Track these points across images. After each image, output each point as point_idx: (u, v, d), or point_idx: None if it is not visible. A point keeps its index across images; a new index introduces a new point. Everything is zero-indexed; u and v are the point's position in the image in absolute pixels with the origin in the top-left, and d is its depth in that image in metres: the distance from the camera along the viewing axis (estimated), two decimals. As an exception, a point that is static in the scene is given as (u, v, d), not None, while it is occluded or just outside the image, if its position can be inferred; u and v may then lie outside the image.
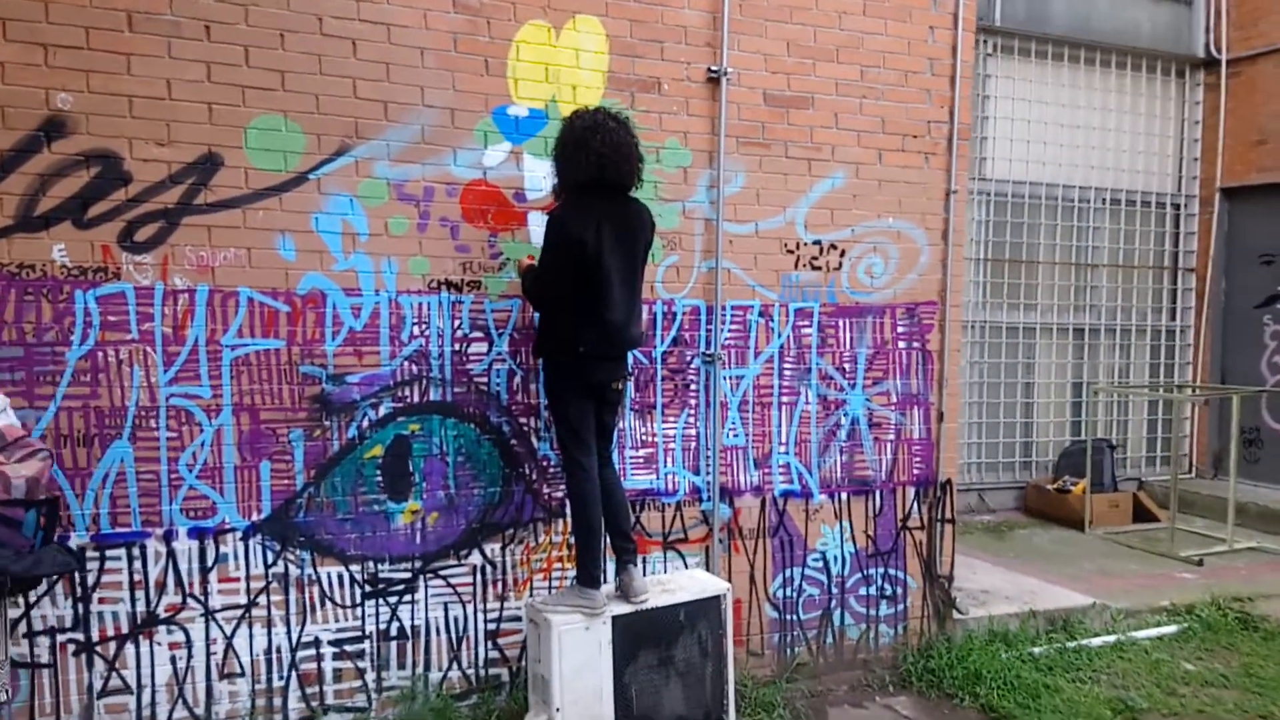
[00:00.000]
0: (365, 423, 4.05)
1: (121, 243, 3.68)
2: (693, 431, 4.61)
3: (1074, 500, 7.97)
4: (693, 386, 4.60)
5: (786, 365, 4.77)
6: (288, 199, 3.89)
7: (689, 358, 4.58)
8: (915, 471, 5.09)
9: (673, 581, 4.26)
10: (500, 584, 4.30)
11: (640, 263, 3.87)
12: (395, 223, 4.06)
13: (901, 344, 5.01)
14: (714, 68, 4.52)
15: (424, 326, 4.12)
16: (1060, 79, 8.49)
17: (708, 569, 4.63)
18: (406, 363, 4.10)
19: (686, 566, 4.60)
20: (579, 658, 3.84)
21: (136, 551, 3.75)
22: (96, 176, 3.63)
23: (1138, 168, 8.86)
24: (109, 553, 3.72)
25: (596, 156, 3.66)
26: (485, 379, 4.23)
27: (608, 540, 4.06)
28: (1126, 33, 8.57)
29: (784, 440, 4.79)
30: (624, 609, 3.94)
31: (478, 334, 4.21)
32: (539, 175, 4.26)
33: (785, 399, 4.78)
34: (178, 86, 3.72)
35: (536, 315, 4.24)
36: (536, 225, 4.27)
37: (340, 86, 3.93)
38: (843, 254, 4.85)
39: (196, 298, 3.78)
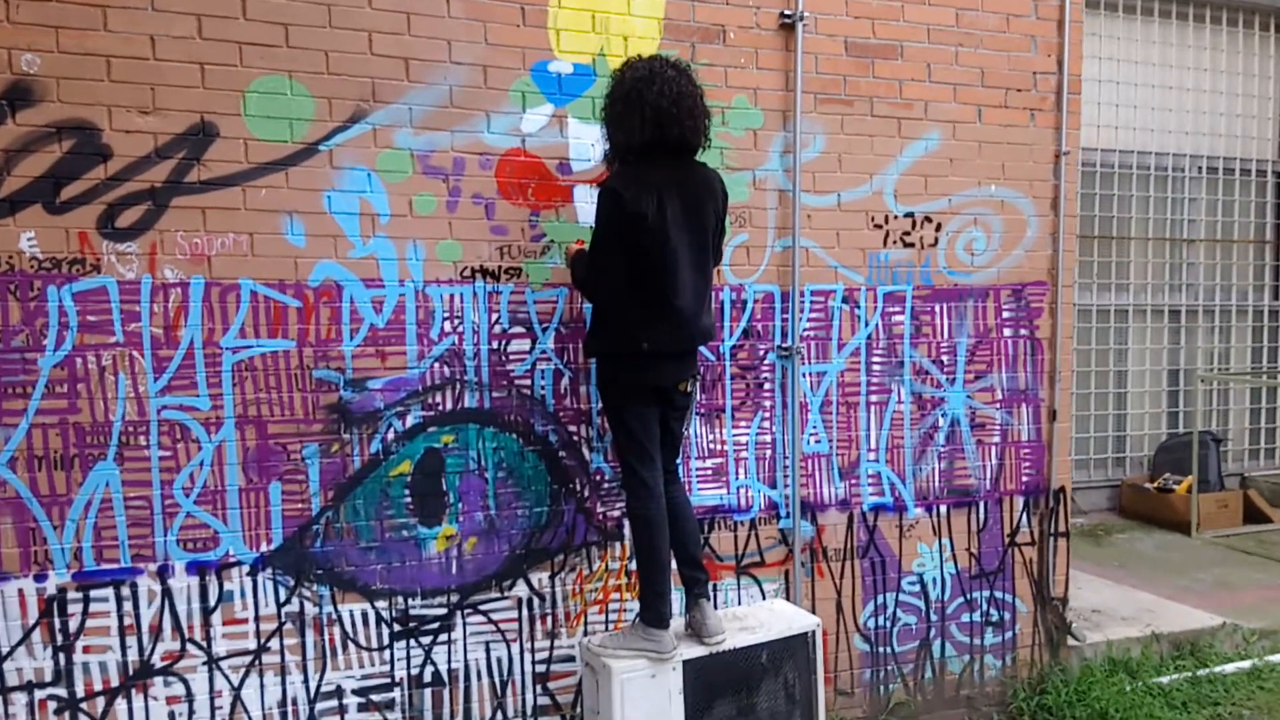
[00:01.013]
0: (390, 435, 3.50)
1: (101, 229, 3.15)
2: (768, 438, 4.00)
3: (1177, 500, 7.25)
4: (767, 385, 3.99)
5: (875, 359, 4.15)
6: (295, 175, 3.34)
7: (762, 352, 3.97)
8: (1024, 479, 4.44)
9: (751, 616, 3.66)
10: (550, 619, 3.73)
11: (711, 239, 3.28)
12: (421, 201, 3.49)
13: (1007, 331, 4.36)
14: (788, 11, 3.90)
15: (456, 321, 3.56)
16: (1150, 36, 7.73)
17: (788, 598, 4.03)
18: (437, 364, 3.54)
19: (764, 595, 4.00)
20: (645, 709, 3.26)
21: (126, 591, 3.23)
22: (70, 152, 3.10)
23: (1236, 132, 8.07)
24: (94, 593, 3.20)
25: (654, 112, 3.07)
26: (528, 381, 3.66)
27: (675, 569, 3.47)
28: (1225, -17, 7.79)
29: (873, 446, 4.17)
30: (697, 651, 3.36)
31: (518, 329, 3.64)
32: (586, 142, 3.67)
33: (874, 398, 4.15)
34: (163, 44, 3.18)
35: (588, 307, 3.65)
36: (585, 201, 3.68)
37: (353, 41, 3.37)
38: (939, 228, 4.21)
39: (190, 292, 3.25)
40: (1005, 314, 4.35)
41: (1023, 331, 4.39)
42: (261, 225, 3.31)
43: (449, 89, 3.50)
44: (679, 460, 3.62)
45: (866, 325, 4.13)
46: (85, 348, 3.16)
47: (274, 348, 3.35)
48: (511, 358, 3.64)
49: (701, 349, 3.67)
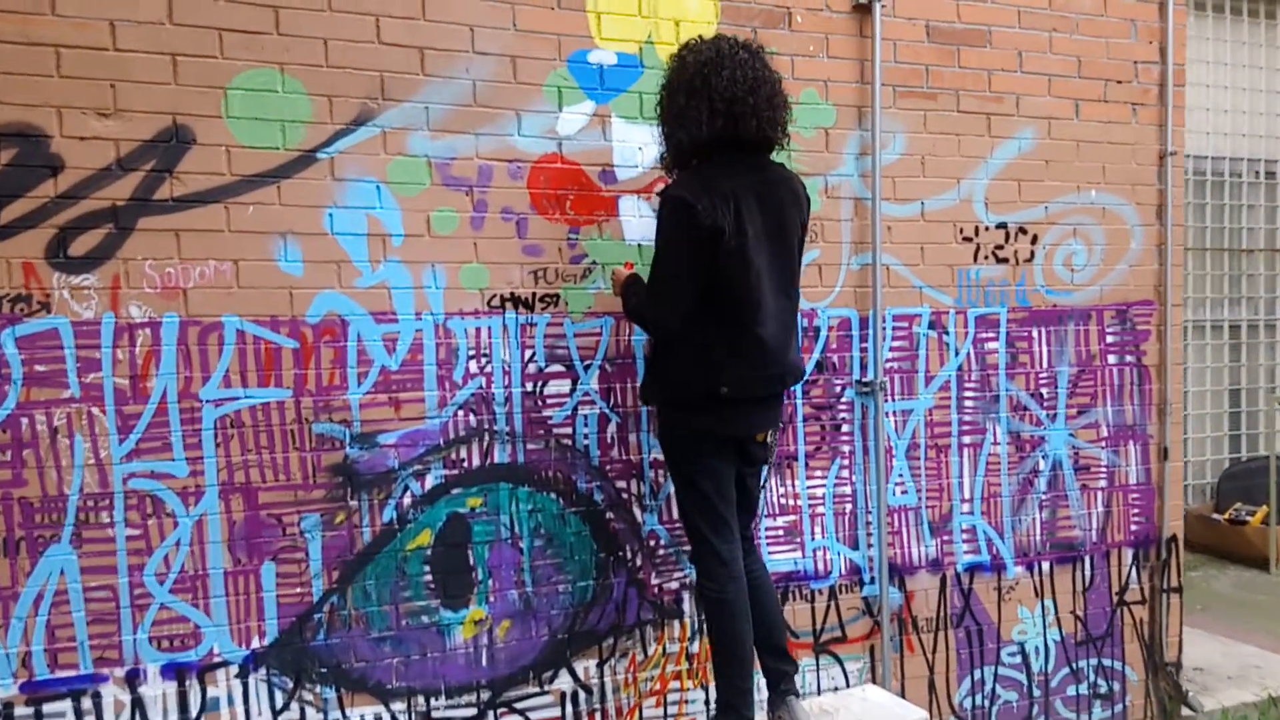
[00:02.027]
0: (407, 499, 2.93)
1: (51, 259, 2.59)
2: (847, 489, 3.45)
3: (1253, 534, 6.70)
4: (845, 427, 3.44)
5: (967, 393, 3.60)
6: (289, 189, 2.79)
7: (839, 388, 3.42)
8: (1133, 528, 3.90)
9: (843, 710, 3.10)
10: (599, 715, 3.15)
11: (797, 257, 2.73)
12: (440, 217, 2.94)
13: (1111, 358, 3.82)
14: (863, -9, 3.37)
15: (484, 361, 3.00)
16: (1204, 33, 7.25)
17: (873, 678, 3.46)
18: (461, 412, 2.98)
19: (846, 677, 3.43)
20: (725, 832, 2.69)
21: (88, 703, 2.66)
22: (11, 164, 2.55)
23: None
24: (48, 708, 2.62)
25: (725, 103, 2.53)
26: (569, 429, 3.10)
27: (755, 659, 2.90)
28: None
29: (967, 495, 3.62)
30: (787, 759, 2.79)
31: (557, 367, 3.09)
32: (633, 145, 3.14)
33: (967, 439, 3.61)
34: (126, 32, 2.63)
35: (637, 338, 3.11)
36: (632, 215, 3.14)
37: (358, 27, 2.84)
38: (1034, 240, 3.68)
39: (162, 334, 2.69)
40: (1109, 338, 3.82)
41: (1128, 358, 3.85)
42: (249, 250, 2.76)
43: (472, 84, 2.96)
44: (757, 522, 3.05)
45: (957, 355, 3.58)
46: (33, 405, 2.59)
47: (265, 398, 2.79)
48: (549, 402, 3.09)
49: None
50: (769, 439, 2.85)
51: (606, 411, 3.15)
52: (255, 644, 2.79)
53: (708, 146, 2.59)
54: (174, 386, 2.70)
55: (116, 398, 2.66)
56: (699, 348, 2.60)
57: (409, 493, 2.94)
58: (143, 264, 2.67)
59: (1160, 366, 3.89)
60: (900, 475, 3.52)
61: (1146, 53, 3.82)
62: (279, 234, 2.79)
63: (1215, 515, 7.02)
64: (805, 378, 3.08)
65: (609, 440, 3.16)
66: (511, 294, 3.04)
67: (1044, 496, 3.74)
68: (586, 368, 3.13)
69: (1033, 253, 3.68)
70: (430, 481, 2.97)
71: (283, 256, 2.80)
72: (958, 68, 3.54)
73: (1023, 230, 3.66)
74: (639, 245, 3.16)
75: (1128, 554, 3.89)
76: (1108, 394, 3.82)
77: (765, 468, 3.06)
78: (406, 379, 2.94)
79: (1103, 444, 3.83)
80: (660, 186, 3.13)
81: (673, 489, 2.90)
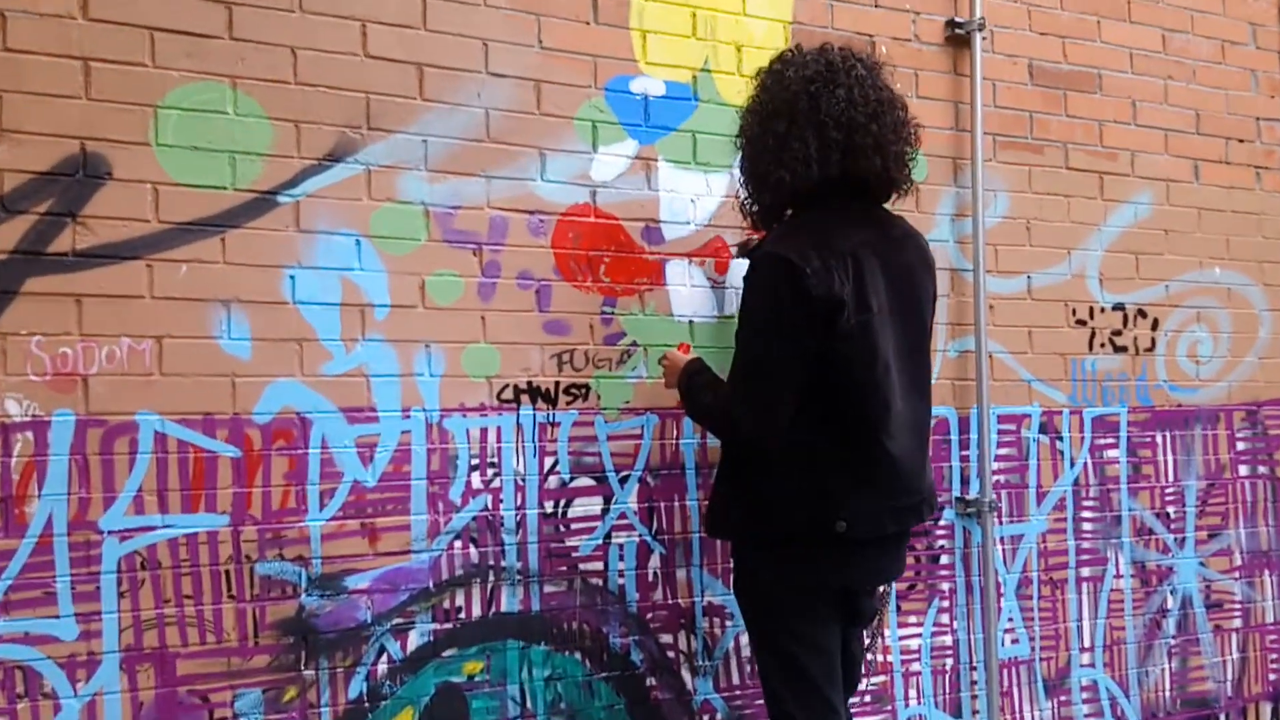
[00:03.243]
0: (383, 666, 2.20)
1: (-107, 330, 1.88)
2: (947, 639, 2.76)
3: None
4: (944, 559, 2.77)
5: (1085, 513, 2.96)
6: (238, 242, 2.12)
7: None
8: (1271, 676, 3.23)
9: None
10: None
11: (929, 340, 2.09)
12: (439, 283, 2.28)
13: (1243, 469, 3.22)
14: (960, 20, 2.82)
15: (491, 473, 2.31)
16: None
17: None
18: (459, 543, 2.28)
19: None
20: None
21: None
22: None
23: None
24: None
25: (841, 131, 1.92)
26: (599, 564, 2.40)
27: None
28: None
29: (1088, 643, 2.95)
30: None
31: (585, 481, 2.40)
32: (684, 196, 2.52)
33: (1086, 571, 2.96)
34: (22, 26, 1.98)
35: (688, 442, 2.44)
36: (681, 282, 2.51)
37: (338, 35, 2.21)
38: (1155, 325, 3.10)
39: (51, 438, 1.96)
40: (1240, 445, 3.21)
41: (1261, 469, 3.25)
42: (178, 323, 2.06)
43: (484, 114, 2.34)
44: (855, 696, 2.34)
45: (1073, 466, 2.95)
46: None
47: (192, 527, 2.06)
48: (574, 527, 2.39)
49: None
50: (888, 589, 2.17)
51: (648, 539, 2.46)
52: None
53: (815, 193, 1.96)
54: (63, 512, 1.97)
55: (-24, 528, 1.91)
56: (804, 467, 1.91)
57: (386, 656, 2.20)
58: (27, 341, 1.96)
59: (1298, 479, 3.29)
60: (1010, 619, 2.84)
61: (1269, 108, 3.31)
62: (221, 302, 2.10)
63: None
64: (937, 509, 2.39)
65: (651, 579, 2.46)
66: (529, 384, 2.36)
67: (1173, 641, 3.08)
68: (623, 481, 2.44)
69: (1154, 340, 3.09)
70: (415, 640, 2.23)
71: (225, 333, 2.10)
72: (1065, 116, 2.99)
73: (1142, 313, 3.07)
74: (690, 322, 2.51)
75: (1265, 710, 3.22)
76: (1239, 513, 3.20)
77: (879, 622, 2.37)
78: (387, 499, 2.23)
79: (1236, 575, 3.19)
80: (736, 245, 2.51)
81: (752, 650, 2.17)
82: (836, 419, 1.91)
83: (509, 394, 2.35)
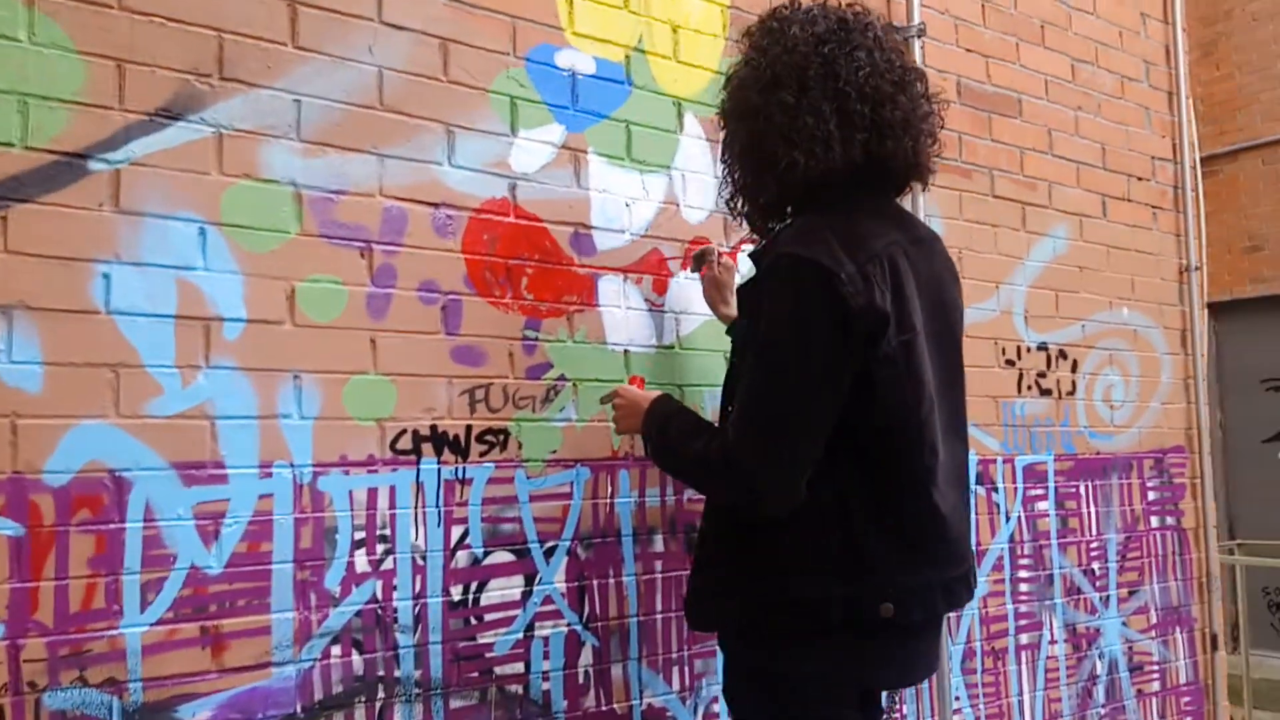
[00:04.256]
0: (231, 829, 1.57)
1: None
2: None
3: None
4: (890, 632, 2.43)
5: (1021, 572, 2.74)
6: (25, 222, 1.49)
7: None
8: (1187, 741, 3.13)
9: None
10: None
11: (963, 370, 1.74)
12: (314, 292, 1.72)
13: (1154, 520, 3.13)
14: (898, 25, 2.59)
15: (381, 549, 1.76)
16: None
17: None
18: (337, 649, 1.70)
19: None
20: None
21: None
22: None
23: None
24: None
25: (866, 103, 1.55)
26: (519, 667, 1.88)
27: None
28: None
29: (1029, 718, 2.70)
30: None
31: (502, 555, 1.89)
32: (618, 199, 2.09)
33: (1024, 638, 2.73)
34: None
35: (622, 502, 1.98)
36: (615, 303, 2.07)
37: (181, -57, 1.63)
38: (1074, 367, 2.96)
39: None
40: (1150, 495, 3.12)
41: (1170, 520, 3.17)
42: (-74, 334, 1.40)
43: (376, 74, 1.82)
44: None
45: (1008, 520, 2.72)
46: None
47: (-60, 646, 1.38)
48: (488, 618, 1.86)
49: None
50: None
51: (579, 629, 1.96)
52: None
53: (828, 180, 1.57)
54: None
55: None
56: (832, 533, 1.50)
57: (236, 816, 1.58)
58: None
59: (1198, 531, 3.24)
60: (957, 696, 2.55)
61: (1160, 148, 3.31)
62: (-4, 307, 1.45)
63: None
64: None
65: (581, 680, 1.96)
66: (433, 429, 1.83)
67: (1103, 711, 2.90)
68: (549, 554, 1.94)
69: (1074, 384, 2.95)
70: (278, 788, 1.62)
71: (2, 353, 1.45)
72: (990, 140, 2.82)
73: (1063, 354, 2.93)
74: (626, 352, 2.07)
75: (1183, 778, 3.11)
76: (1153, 567, 3.10)
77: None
78: (238, 592, 1.62)
79: (1153, 634, 3.07)
80: (692, 257, 2.10)
81: None
82: (872, 469, 1.52)
83: (406, 443, 1.80)
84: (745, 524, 1.58)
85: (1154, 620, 3.08)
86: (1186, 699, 3.15)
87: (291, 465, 1.68)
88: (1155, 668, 3.07)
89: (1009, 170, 2.85)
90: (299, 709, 1.66)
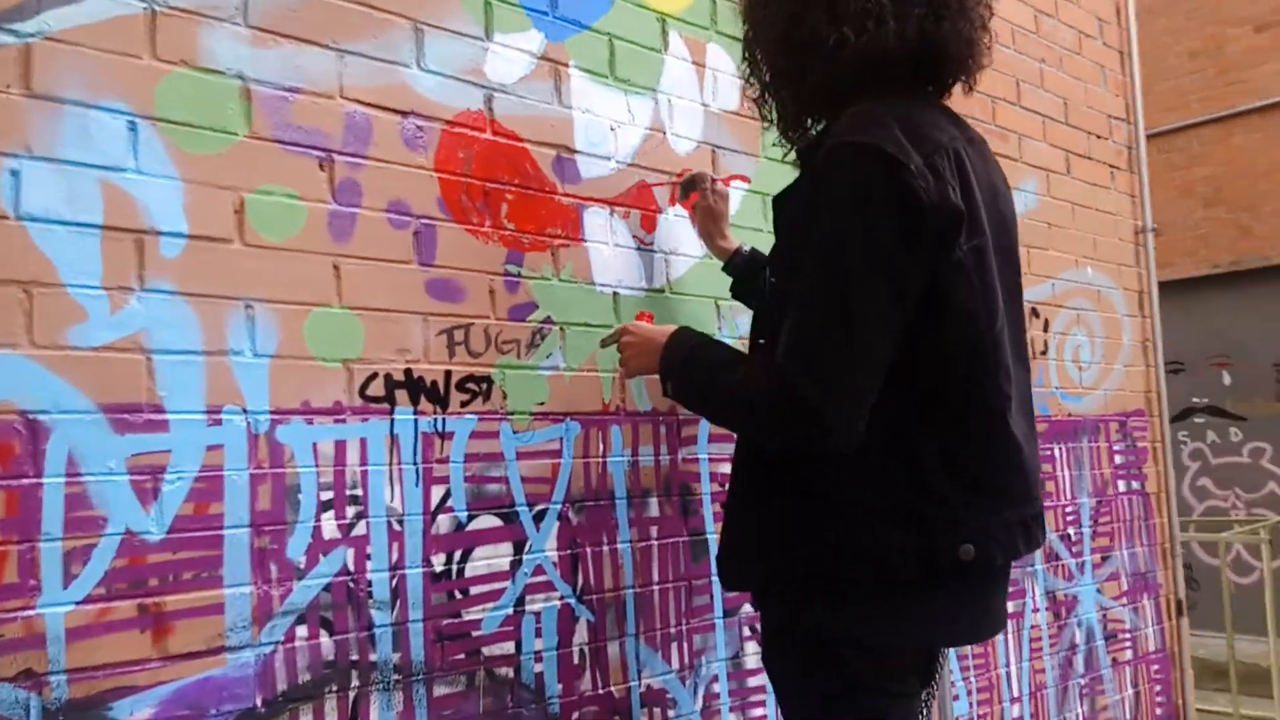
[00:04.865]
0: None
1: None
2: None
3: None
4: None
5: (1008, 539, 2.61)
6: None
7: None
8: (1157, 712, 3.08)
9: None
10: None
11: (1021, 286, 1.57)
12: (267, 207, 1.46)
13: (1121, 485, 3.07)
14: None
15: (352, 513, 1.50)
16: None
17: None
18: (303, 630, 1.44)
19: None
20: None
21: None
22: None
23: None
24: None
25: None
26: (510, 647, 1.64)
27: None
28: None
29: (1016, 691, 2.59)
30: None
31: (488, 520, 1.65)
32: (603, 121, 1.88)
33: (1009, 605, 2.59)
34: None
35: (615, 460, 1.78)
36: (602, 239, 1.85)
37: None
38: (1046, 326, 2.87)
39: None
40: (1117, 458, 3.07)
41: (1135, 484, 3.13)
42: None
43: (334, -44, 1.56)
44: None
45: (995, 483, 2.60)
46: None
47: None
48: (475, 590, 1.62)
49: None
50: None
51: (573, 602, 1.73)
52: None
53: (878, 66, 1.39)
54: None
55: None
56: (899, 469, 1.32)
57: (188, 835, 1.30)
58: None
59: (1160, 496, 3.20)
60: (950, 670, 2.41)
61: (1115, 107, 3.28)
62: None
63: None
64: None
65: (576, 660, 1.73)
66: (408, 373, 1.58)
67: (1083, 680, 2.82)
68: (539, 518, 1.71)
69: (1046, 344, 2.86)
70: (238, 799, 1.35)
71: (-122, 258, 1.15)
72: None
73: (1035, 313, 2.84)
74: (615, 294, 1.86)
75: (1154, 748, 3.07)
76: (1121, 532, 3.05)
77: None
78: (183, 563, 1.34)
79: (1124, 601, 3.01)
80: (678, 183, 1.90)
81: None
82: (938, 398, 1.34)
83: (378, 388, 1.55)
84: (789, 468, 1.38)
85: (1125, 587, 3.03)
86: (1155, 667, 3.10)
87: (245, 411, 1.42)
88: (1128, 635, 3.01)
89: (983, 120, 2.74)
90: (259, 702, 1.39)
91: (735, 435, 1.50)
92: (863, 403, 1.29)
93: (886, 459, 1.33)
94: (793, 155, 1.54)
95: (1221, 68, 7.33)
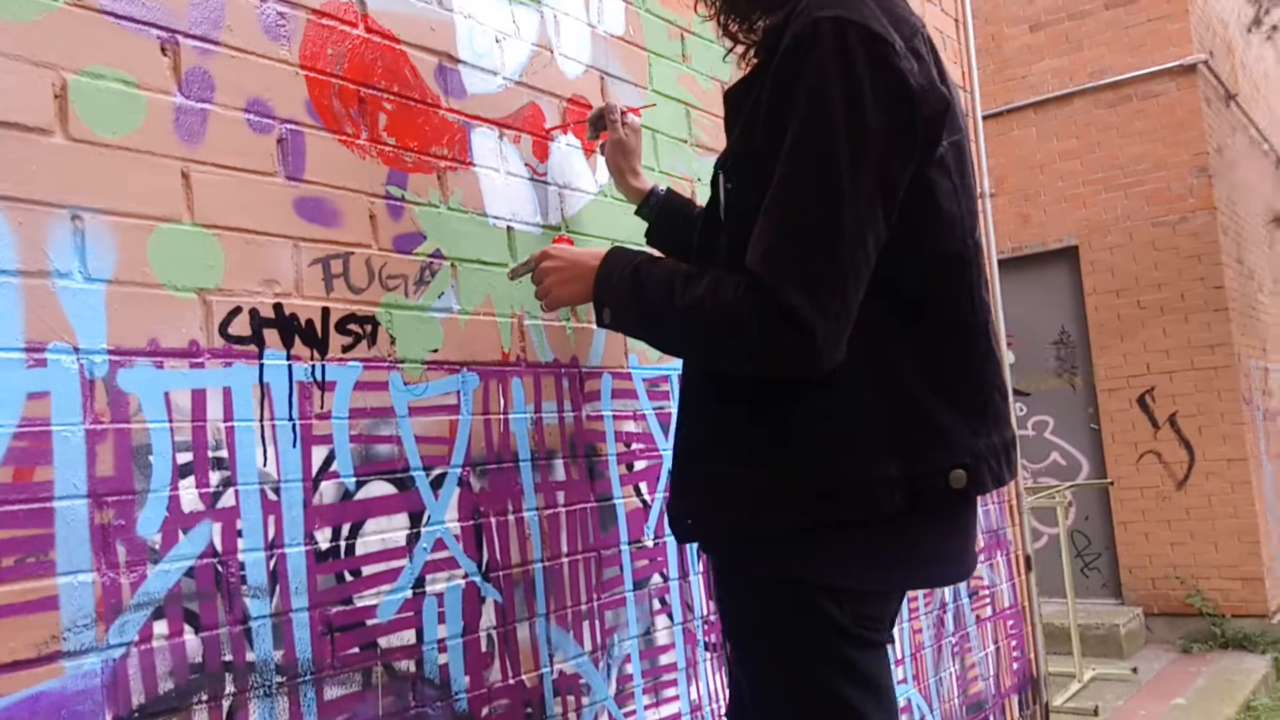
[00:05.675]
0: None
1: None
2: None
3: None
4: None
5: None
6: None
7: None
8: (1014, 667, 3.14)
9: None
10: None
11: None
12: (97, 92, 1.16)
13: (975, 444, 3.10)
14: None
15: (216, 479, 1.21)
16: None
17: None
18: (161, 627, 1.13)
19: None
20: None
21: None
22: None
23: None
24: None
25: None
26: (410, 636, 1.39)
27: None
28: None
29: (899, 653, 2.55)
30: None
31: (381, 486, 1.39)
32: (488, 30, 1.65)
33: (894, 568, 2.55)
34: None
35: (518, 418, 1.56)
36: (492, 165, 1.62)
37: None
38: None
39: None
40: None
41: (985, 444, 3.17)
42: None
43: None
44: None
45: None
46: None
47: None
48: (367, 570, 1.36)
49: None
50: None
51: (478, 580, 1.49)
52: None
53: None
54: None
55: None
56: (874, 390, 1.17)
57: None
58: None
59: (1007, 453, 3.27)
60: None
61: (955, 75, 3.32)
62: None
63: None
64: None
65: (485, 647, 1.49)
66: (277, 308, 1.30)
67: (954, 638, 2.81)
68: (436, 484, 1.46)
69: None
70: None
71: None
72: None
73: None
74: (509, 229, 1.63)
75: (1014, 704, 3.11)
76: (978, 491, 3.08)
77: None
78: (3, 545, 1.02)
79: (981, 557, 3.05)
80: (582, 124, 1.69)
81: (762, 701, 1.31)
82: (917, 310, 1.21)
83: (242, 326, 1.26)
84: (759, 400, 1.21)
85: (981, 544, 3.06)
86: (1010, 623, 3.15)
87: (76, 350, 1.10)
88: (987, 592, 3.05)
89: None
90: (113, 715, 1.08)
91: (684, 368, 1.32)
92: (851, 314, 1.14)
93: (866, 383, 1.19)
94: (734, 57, 1.38)
95: (999, 64, 7.80)
